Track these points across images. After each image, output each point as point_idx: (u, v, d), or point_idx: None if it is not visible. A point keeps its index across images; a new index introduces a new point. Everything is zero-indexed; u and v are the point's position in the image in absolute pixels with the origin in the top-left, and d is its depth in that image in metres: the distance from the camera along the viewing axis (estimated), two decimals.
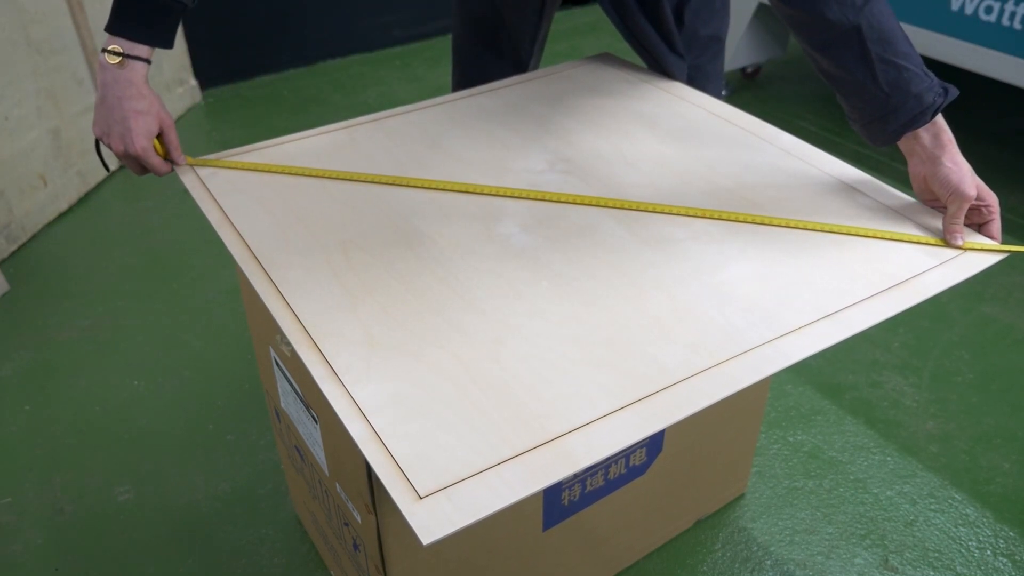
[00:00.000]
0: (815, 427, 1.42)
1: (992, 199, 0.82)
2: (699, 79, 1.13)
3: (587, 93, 1.09)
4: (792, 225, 0.82)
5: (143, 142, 0.88)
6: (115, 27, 0.86)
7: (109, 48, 0.85)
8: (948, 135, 0.82)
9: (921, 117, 0.81)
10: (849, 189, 0.89)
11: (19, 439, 1.41)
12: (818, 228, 0.82)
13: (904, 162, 0.86)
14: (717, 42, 1.13)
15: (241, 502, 1.29)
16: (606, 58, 1.19)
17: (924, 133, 0.82)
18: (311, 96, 2.71)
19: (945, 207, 0.82)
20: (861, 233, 0.81)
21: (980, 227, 0.83)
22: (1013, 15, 1.90)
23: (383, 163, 0.93)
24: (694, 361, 0.65)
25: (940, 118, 0.82)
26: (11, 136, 1.83)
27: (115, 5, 0.86)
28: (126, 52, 0.85)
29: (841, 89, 0.86)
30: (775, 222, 0.82)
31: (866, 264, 0.77)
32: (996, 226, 0.83)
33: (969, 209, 0.82)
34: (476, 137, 0.99)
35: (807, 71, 2.85)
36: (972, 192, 0.80)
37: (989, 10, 1.95)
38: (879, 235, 0.81)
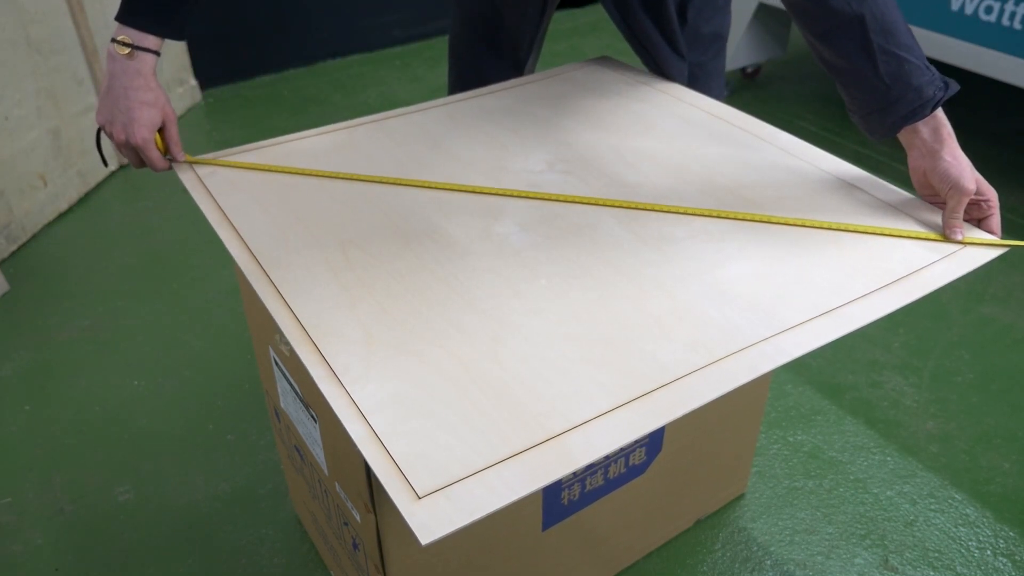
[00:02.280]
0: (815, 427, 1.42)
1: (992, 194, 0.82)
2: (702, 77, 1.12)
3: (586, 95, 1.09)
4: (791, 223, 0.82)
5: (145, 133, 0.87)
6: (125, 17, 0.85)
7: (119, 38, 0.85)
8: (948, 129, 0.82)
9: (921, 110, 0.81)
10: (848, 187, 0.89)
11: (19, 439, 1.41)
12: (817, 226, 0.82)
13: (904, 161, 0.86)
14: (719, 40, 1.12)
15: (241, 502, 1.29)
16: (605, 61, 1.20)
17: (923, 127, 0.82)
18: (311, 96, 2.71)
19: (944, 202, 0.82)
20: (860, 230, 0.81)
21: (980, 222, 0.83)
22: (1013, 15, 1.90)
23: (383, 163, 0.93)
24: (693, 359, 0.65)
25: (940, 112, 0.82)
26: (11, 136, 1.83)
27: None
28: (135, 43, 0.85)
29: (841, 79, 0.86)
30: (774, 220, 0.82)
31: (865, 261, 0.77)
32: (996, 221, 0.82)
33: (969, 204, 0.82)
34: (476, 138, 0.99)
35: (807, 71, 2.85)
36: (971, 186, 0.80)
37: (989, 10, 1.95)
38: (878, 231, 0.81)
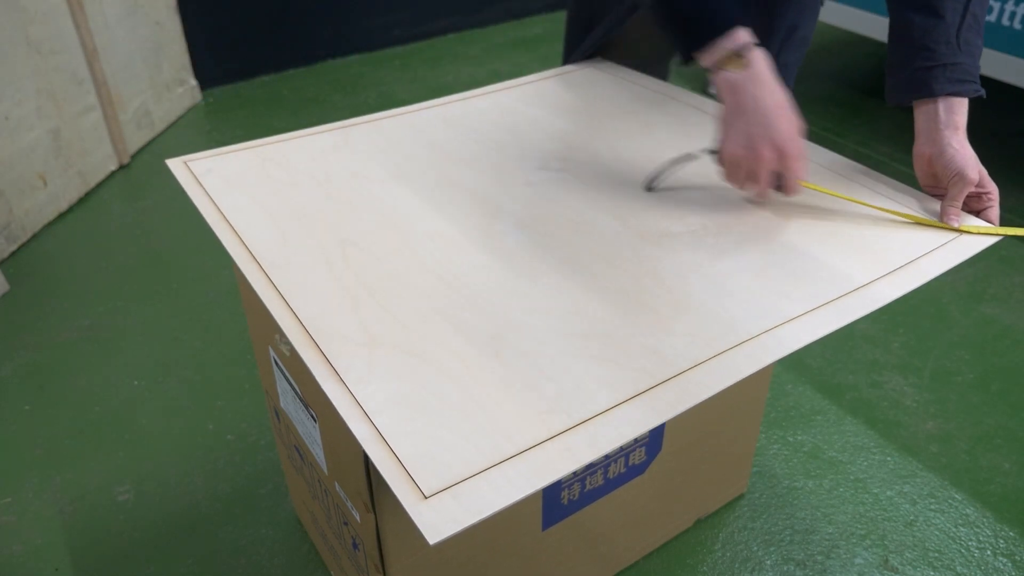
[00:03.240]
0: (815, 427, 1.42)
1: (993, 187, 0.83)
2: (787, 78, 1.10)
3: (582, 95, 1.09)
4: (789, 216, 0.82)
5: (800, 140, 0.77)
6: (717, 26, 0.77)
7: (725, 57, 0.77)
8: (963, 119, 0.83)
9: (968, 84, 0.82)
10: (845, 179, 0.89)
11: (19, 439, 1.41)
12: (815, 218, 0.82)
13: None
14: (806, 44, 1.12)
15: (241, 502, 1.29)
16: (600, 63, 1.20)
17: (943, 105, 0.82)
18: (311, 96, 2.71)
19: (945, 191, 0.82)
20: (858, 218, 0.81)
21: (979, 213, 0.84)
22: (1013, 15, 1.90)
23: (381, 163, 0.93)
24: (694, 353, 0.65)
25: (965, 105, 0.83)
26: (11, 136, 1.83)
27: (687, 25, 0.78)
28: (743, 46, 0.77)
29: (918, 26, 0.84)
30: (771, 215, 0.83)
31: (863, 251, 0.77)
32: (995, 213, 0.83)
33: (970, 196, 0.83)
34: (473, 137, 0.99)
35: (807, 71, 2.85)
36: (974, 176, 0.81)
37: (989, 10, 1.95)
38: (878, 216, 0.82)
